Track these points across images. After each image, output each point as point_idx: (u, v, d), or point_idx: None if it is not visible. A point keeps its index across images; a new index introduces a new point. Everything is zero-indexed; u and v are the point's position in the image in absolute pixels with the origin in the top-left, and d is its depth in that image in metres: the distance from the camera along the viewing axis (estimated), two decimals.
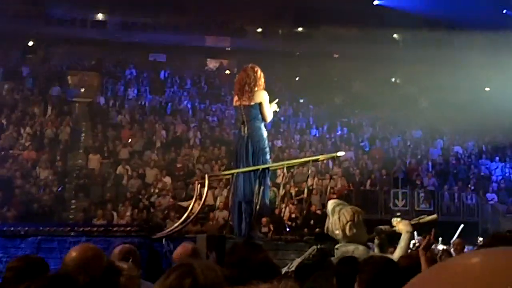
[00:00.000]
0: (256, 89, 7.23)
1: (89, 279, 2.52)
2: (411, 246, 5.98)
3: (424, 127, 22.69)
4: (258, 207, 7.13)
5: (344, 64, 25.79)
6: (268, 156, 7.38)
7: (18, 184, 16.35)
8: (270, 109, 7.31)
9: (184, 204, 14.55)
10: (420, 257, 3.80)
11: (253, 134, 7.23)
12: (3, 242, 6.59)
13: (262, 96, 7.24)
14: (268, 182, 7.39)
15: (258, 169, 7.11)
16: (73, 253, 2.71)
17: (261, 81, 7.29)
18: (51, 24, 25.08)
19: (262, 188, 7.14)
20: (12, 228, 7.21)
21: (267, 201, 7.36)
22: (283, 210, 12.13)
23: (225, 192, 15.84)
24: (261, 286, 0.84)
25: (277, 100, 7.56)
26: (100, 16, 27.25)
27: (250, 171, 7.20)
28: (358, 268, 3.07)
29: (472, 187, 18.14)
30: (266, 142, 7.42)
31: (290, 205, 14.80)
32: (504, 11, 24.81)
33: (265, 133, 7.36)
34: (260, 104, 7.22)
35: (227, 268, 2.48)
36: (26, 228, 7.02)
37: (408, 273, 2.01)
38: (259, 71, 7.35)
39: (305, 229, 14.56)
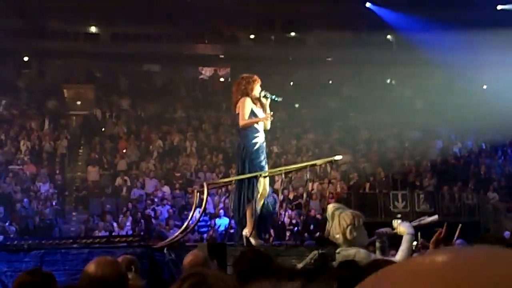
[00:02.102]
0: (240, 98, 7.24)
1: None
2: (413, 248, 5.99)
3: (420, 128, 22.76)
4: (252, 214, 7.14)
5: (338, 67, 25.90)
6: (261, 160, 7.27)
7: (18, 199, 16.38)
8: (244, 115, 7.15)
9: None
10: (430, 247, 3.81)
11: (241, 140, 7.33)
12: (7, 257, 6.63)
13: (241, 103, 7.18)
14: (259, 188, 7.29)
15: (257, 176, 7.14)
16: (92, 266, 2.77)
17: (250, 88, 7.22)
18: (45, 39, 25.10)
19: (251, 194, 7.13)
20: (15, 242, 7.24)
21: (256, 208, 7.27)
22: (281, 215, 12.14)
23: (224, 200, 15.90)
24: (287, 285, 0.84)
25: (263, 93, 7.34)
26: (92, 29, 27.28)
27: (245, 178, 7.20)
28: (361, 272, 3.09)
29: (472, 187, 18.14)
30: (258, 145, 7.28)
31: (289, 211, 14.84)
32: (499, 8, 24.92)
33: (257, 139, 7.23)
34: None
35: (236, 276, 2.50)
36: (29, 242, 7.06)
37: None
38: (246, 80, 7.30)
39: (305, 234, 14.62)
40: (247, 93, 7.20)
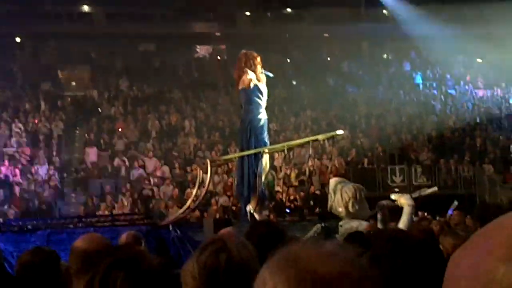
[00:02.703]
0: (244, 72, 7.32)
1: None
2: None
3: (418, 103, 22.83)
4: (257, 189, 7.22)
5: (335, 43, 25.83)
6: (265, 136, 7.41)
7: (17, 181, 16.41)
8: (247, 83, 7.28)
9: None
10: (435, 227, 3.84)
11: (245, 117, 7.38)
12: (13, 237, 6.69)
13: (245, 76, 7.29)
14: (263, 163, 7.40)
15: (259, 152, 7.21)
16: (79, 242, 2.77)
17: (253, 64, 7.31)
18: (38, 20, 24.90)
19: (257, 169, 7.22)
20: (20, 223, 7.31)
21: (261, 183, 7.39)
22: (283, 192, 12.25)
23: (225, 177, 15.98)
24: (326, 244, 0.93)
25: (262, 72, 7.44)
26: (85, 8, 27.00)
27: (250, 154, 7.28)
28: (368, 243, 3.15)
29: (468, 159, 18.28)
30: (261, 122, 7.40)
31: (289, 188, 14.93)
32: None
33: (261, 115, 7.38)
34: (250, 87, 7.31)
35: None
36: (35, 222, 7.12)
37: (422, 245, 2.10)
38: (248, 55, 7.39)
39: (305, 210, 14.72)
40: (249, 68, 7.30)
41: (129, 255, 1.89)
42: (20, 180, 16.56)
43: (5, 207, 15.19)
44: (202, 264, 1.73)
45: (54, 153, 18.70)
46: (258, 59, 7.35)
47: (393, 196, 5.35)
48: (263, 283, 0.88)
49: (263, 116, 7.39)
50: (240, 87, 7.36)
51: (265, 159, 7.39)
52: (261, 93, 7.34)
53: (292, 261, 0.87)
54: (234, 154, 7.45)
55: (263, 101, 7.37)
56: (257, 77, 7.31)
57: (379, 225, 5.65)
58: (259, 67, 7.32)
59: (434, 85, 24.29)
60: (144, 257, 1.92)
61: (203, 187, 7.69)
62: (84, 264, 2.59)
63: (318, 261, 0.85)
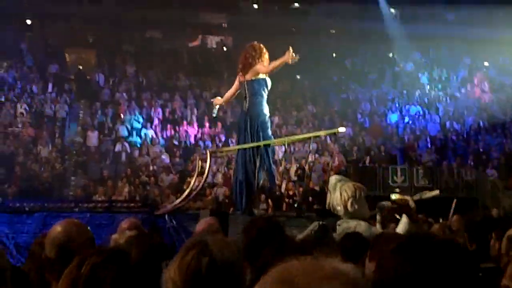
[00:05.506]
0: (255, 64, 7.31)
1: (142, 255, 2.50)
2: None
3: (422, 103, 22.74)
4: (260, 183, 7.19)
5: (341, 40, 25.70)
6: (269, 132, 7.44)
7: (19, 161, 16.43)
8: (265, 72, 7.36)
9: None
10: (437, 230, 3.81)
11: (252, 109, 7.32)
12: (9, 218, 6.65)
13: (259, 66, 7.32)
14: (271, 157, 7.43)
15: (260, 145, 7.16)
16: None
17: (264, 57, 7.40)
18: (48, 1, 24.86)
19: (264, 163, 7.20)
20: (17, 204, 7.28)
21: (275, 177, 7.45)
22: (282, 186, 12.19)
23: (224, 169, 15.95)
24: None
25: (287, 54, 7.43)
26: None
27: (251, 147, 7.25)
28: (365, 244, 3.11)
29: (472, 163, 18.17)
30: (267, 117, 7.45)
31: (288, 182, 14.90)
32: None
33: (265, 109, 7.41)
34: (261, 78, 7.34)
35: (245, 242, 2.51)
36: (31, 204, 7.09)
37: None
38: (259, 48, 7.45)
39: (304, 206, 14.67)
40: (259, 60, 7.31)
41: (116, 255, 1.85)
42: (22, 160, 16.58)
43: (6, 186, 15.21)
44: (184, 269, 1.69)
45: (57, 135, 18.72)
46: (267, 54, 7.42)
47: (393, 197, 5.30)
48: None
49: (267, 110, 7.43)
50: (249, 77, 7.33)
51: (270, 152, 7.39)
52: (267, 87, 7.40)
53: (288, 283, 0.80)
54: (235, 146, 7.39)
55: (265, 98, 7.42)
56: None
57: (378, 226, 5.61)
58: (266, 62, 7.37)
59: (439, 86, 24.17)
60: (130, 257, 1.88)
61: (202, 177, 7.67)
62: (61, 254, 2.49)
63: (316, 285, 0.79)
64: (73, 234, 2.56)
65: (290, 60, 7.27)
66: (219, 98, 7.82)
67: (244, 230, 2.79)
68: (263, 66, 7.29)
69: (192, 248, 1.75)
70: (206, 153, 7.69)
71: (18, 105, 19.13)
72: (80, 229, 2.65)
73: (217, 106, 7.70)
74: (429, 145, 19.40)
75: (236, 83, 7.54)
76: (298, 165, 15.93)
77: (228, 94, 7.70)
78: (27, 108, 19.18)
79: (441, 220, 8.48)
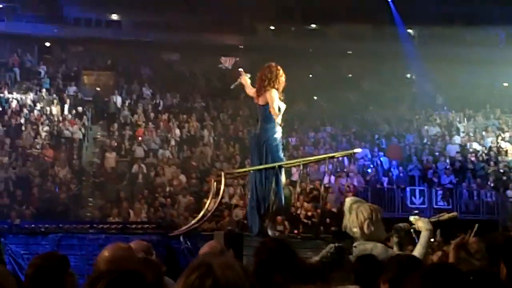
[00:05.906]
0: (268, 88, 7.13)
1: (156, 277, 2.51)
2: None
3: (440, 124, 22.54)
4: (274, 205, 7.10)
5: (358, 61, 25.70)
6: (280, 154, 7.28)
7: (36, 183, 16.54)
8: (276, 108, 7.06)
9: None
10: (451, 252, 3.75)
11: (263, 134, 7.20)
12: (24, 239, 6.68)
13: (270, 95, 7.07)
14: (282, 179, 7.29)
15: (274, 167, 7.08)
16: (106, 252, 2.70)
17: (278, 80, 7.14)
18: (68, 25, 25.37)
19: (276, 186, 7.10)
20: (33, 226, 7.30)
21: (282, 199, 7.27)
22: (298, 208, 12.07)
23: (241, 190, 15.89)
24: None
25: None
26: (114, 16, 27.46)
27: (265, 168, 7.17)
28: (379, 266, 3.05)
29: (492, 184, 17.88)
30: (278, 140, 7.26)
31: (305, 203, 14.77)
32: None
33: (277, 134, 7.20)
34: (268, 104, 7.14)
35: (256, 264, 2.47)
36: (47, 226, 7.11)
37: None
38: (275, 70, 7.19)
39: (321, 227, 14.53)
40: (274, 83, 7.10)
41: (130, 275, 1.84)
42: (40, 182, 16.70)
43: (23, 207, 15.31)
44: None
45: (75, 156, 18.87)
46: (283, 76, 7.17)
47: (411, 218, 5.22)
48: None
49: (278, 134, 7.23)
50: (261, 103, 7.18)
51: (283, 174, 7.28)
52: (280, 112, 7.18)
53: None
54: (249, 168, 7.32)
55: (279, 119, 7.22)
56: (279, 95, 7.14)
57: (395, 248, 5.50)
58: (282, 85, 7.14)
59: (458, 107, 23.97)
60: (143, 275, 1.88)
61: (217, 198, 7.61)
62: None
63: None
64: (119, 256, 2.65)
65: (245, 79, 7.39)
66: (247, 77, 7.65)
67: (255, 252, 2.75)
68: (271, 96, 7.05)
69: (196, 269, 1.77)
70: (221, 175, 7.65)
71: (40, 127, 19.37)
72: (127, 251, 2.73)
73: (238, 81, 7.62)
74: (448, 166, 19.15)
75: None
76: (313, 186, 15.82)
77: (250, 91, 7.56)
78: (47, 130, 19.41)
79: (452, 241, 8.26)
